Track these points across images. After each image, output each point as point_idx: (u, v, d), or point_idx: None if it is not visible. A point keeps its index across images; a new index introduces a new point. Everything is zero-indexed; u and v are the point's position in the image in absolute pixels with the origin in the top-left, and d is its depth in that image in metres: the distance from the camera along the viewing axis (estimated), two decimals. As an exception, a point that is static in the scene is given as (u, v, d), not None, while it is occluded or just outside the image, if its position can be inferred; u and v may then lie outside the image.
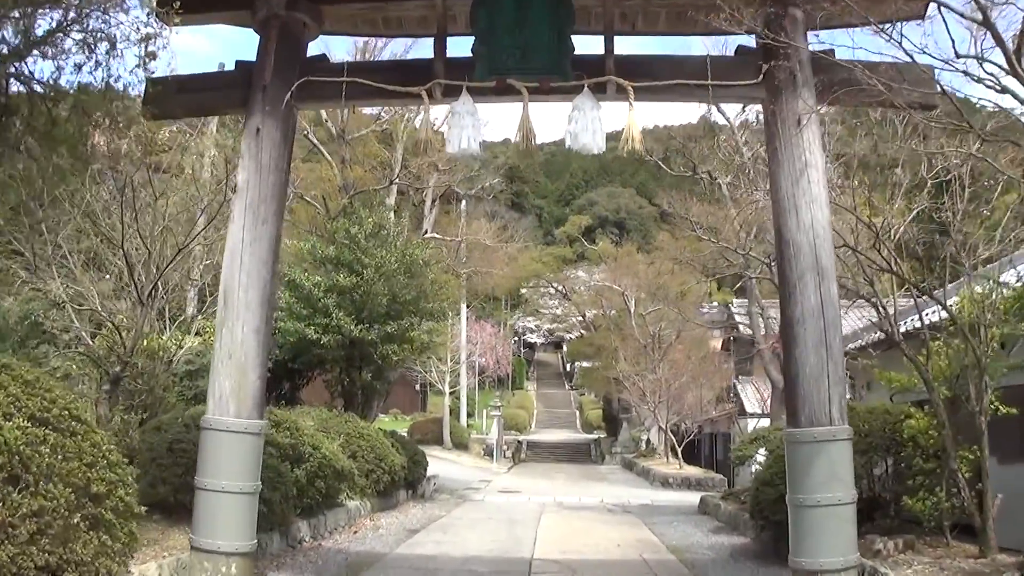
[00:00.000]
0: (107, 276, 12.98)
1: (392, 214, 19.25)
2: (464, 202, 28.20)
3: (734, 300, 36.64)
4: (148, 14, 7.03)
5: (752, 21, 6.67)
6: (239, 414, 6.62)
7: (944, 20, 5.89)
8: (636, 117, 6.75)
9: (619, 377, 32.77)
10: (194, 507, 6.70)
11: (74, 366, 11.06)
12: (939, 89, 6.19)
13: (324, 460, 10.97)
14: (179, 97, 7.68)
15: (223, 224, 15.63)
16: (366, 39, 17.44)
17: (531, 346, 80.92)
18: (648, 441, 35.70)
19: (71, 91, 8.01)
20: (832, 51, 7.19)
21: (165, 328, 13.07)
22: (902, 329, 8.94)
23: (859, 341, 12.85)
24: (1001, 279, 8.16)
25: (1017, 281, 8.57)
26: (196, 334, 13.52)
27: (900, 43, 5.92)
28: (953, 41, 5.87)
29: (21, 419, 5.04)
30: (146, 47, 7.93)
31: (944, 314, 8.50)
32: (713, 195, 18.02)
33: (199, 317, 13.69)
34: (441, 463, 28.09)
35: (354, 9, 7.86)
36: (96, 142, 9.24)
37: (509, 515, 15.13)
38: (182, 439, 8.83)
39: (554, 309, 65.29)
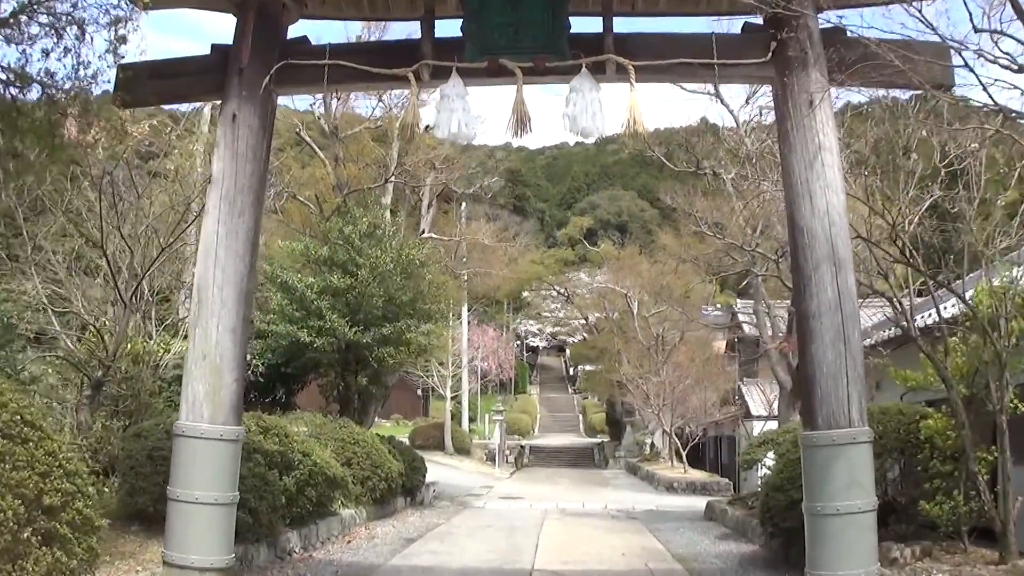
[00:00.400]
0: (97, 280, 12.60)
1: (388, 213, 18.80)
2: (464, 204, 27.82)
3: (738, 301, 36.26)
4: (118, -4, 6.63)
5: (760, -2, 6.22)
6: (214, 419, 6.18)
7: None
8: (638, 98, 6.31)
9: (622, 380, 32.42)
10: (167, 519, 6.25)
11: (49, 370, 10.56)
12: (961, 61, 5.76)
13: (315, 467, 10.51)
14: (152, 83, 7.29)
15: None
16: (362, 30, 16.98)
17: (534, 350, 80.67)
18: (652, 445, 35.28)
19: (38, 78, 7.64)
20: (844, 29, 6.75)
21: (152, 331, 12.66)
22: (917, 325, 8.54)
23: (869, 339, 12.41)
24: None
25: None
26: (185, 338, 13.06)
27: (920, 12, 5.49)
28: (971, 14, 5.47)
29: (-38, 425, 4.60)
30: (116, 31, 7.55)
31: (960, 308, 8.15)
32: (717, 190, 17.57)
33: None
34: (442, 469, 27.71)
35: (336, -11, 7.44)
36: (68, 132, 8.87)
37: (510, 522, 14.68)
38: (163, 446, 8.33)
39: (556, 312, 64.90)
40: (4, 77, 7.24)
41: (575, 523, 15.03)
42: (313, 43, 7.10)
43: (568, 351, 75.25)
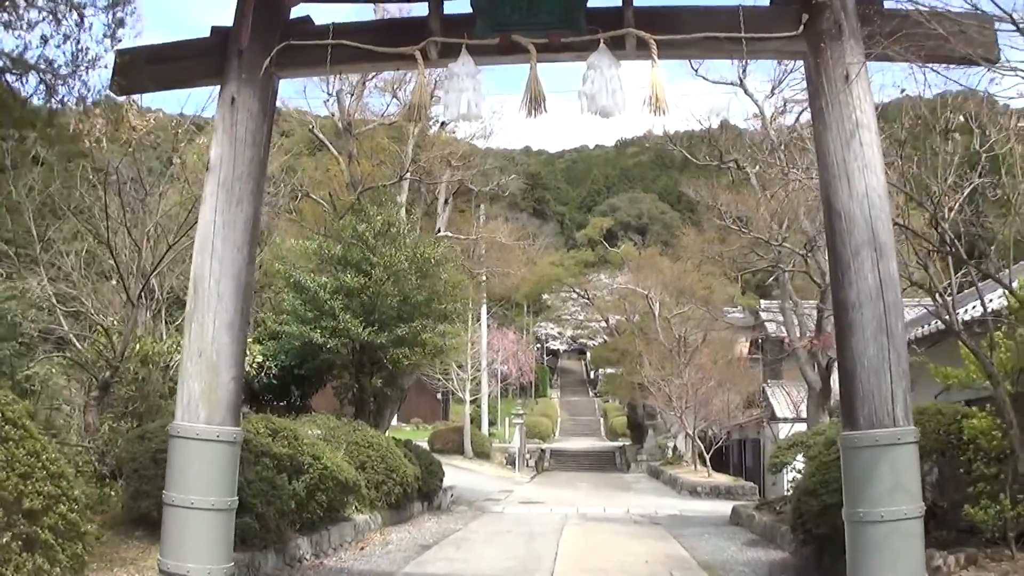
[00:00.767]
0: (112, 281, 12.37)
1: (403, 211, 18.44)
2: (481, 206, 27.48)
3: (761, 303, 35.70)
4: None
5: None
6: (210, 420, 5.82)
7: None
8: (660, 75, 5.88)
9: (644, 383, 31.96)
10: (162, 525, 5.90)
11: (53, 370, 10.30)
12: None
13: (326, 471, 10.17)
14: (150, 68, 6.96)
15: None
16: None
17: (554, 353, 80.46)
18: (675, 448, 34.77)
19: (36, 65, 7.37)
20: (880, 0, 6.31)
21: (163, 332, 12.39)
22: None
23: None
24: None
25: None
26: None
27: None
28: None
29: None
30: (114, 14, 7.27)
31: (1006, 300, 7.68)
32: (741, 185, 17.08)
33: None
34: (461, 473, 27.42)
35: (343, -31, 7.08)
36: (74, 124, 8.61)
37: (529, 528, 14.29)
38: (168, 449, 8.05)
39: (577, 315, 64.48)
40: (0, 64, 6.99)
41: (596, 529, 14.62)
42: (316, 24, 6.76)
43: (589, 354, 75.03)
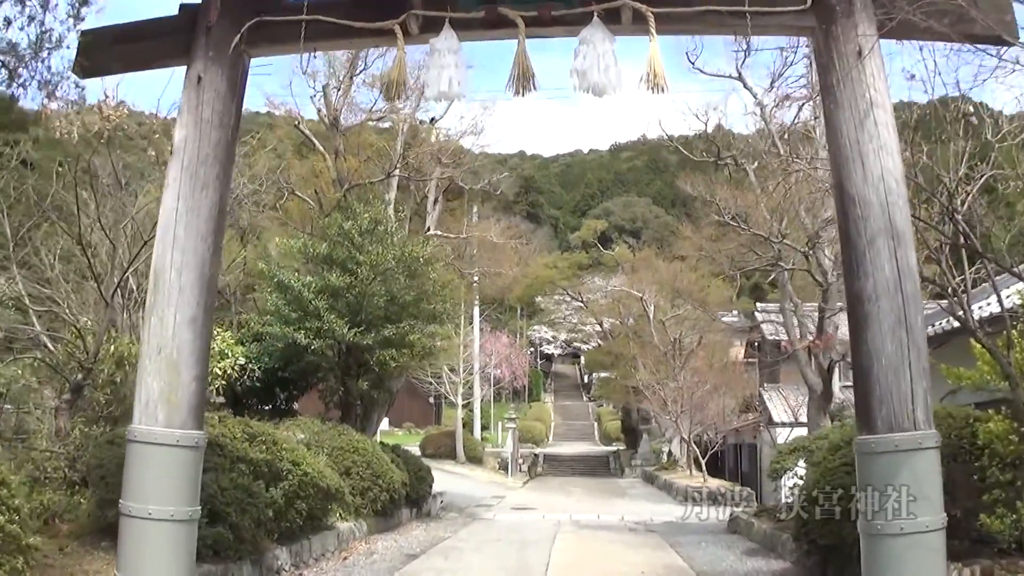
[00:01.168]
0: (92, 282, 11.92)
1: (391, 209, 17.96)
2: (475, 207, 27.07)
3: (757, 305, 35.38)
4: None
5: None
6: (170, 423, 5.35)
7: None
8: (658, 50, 5.45)
9: (638, 386, 31.54)
10: (118, 537, 5.43)
11: (22, 372, 9.82)
12: None
13: (306, 478, 9.69)
14: (115, 49, 6.52)
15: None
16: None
17: (548, 358, 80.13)
18: (670, 453, 34.37)
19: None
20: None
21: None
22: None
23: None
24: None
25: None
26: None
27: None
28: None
29: None
30: (78, -9, 6.84)
31: (1015, 300, 7.30)
32: (739, 183, 16.66)
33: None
34: (453, 478, 26.96)
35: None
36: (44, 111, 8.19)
37: (521, 536, 13.81)
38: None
39: (570, 318, 64.09)
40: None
41: (590, 537, 14.15)
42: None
43: (583, 358, 74.69)
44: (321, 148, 18.99)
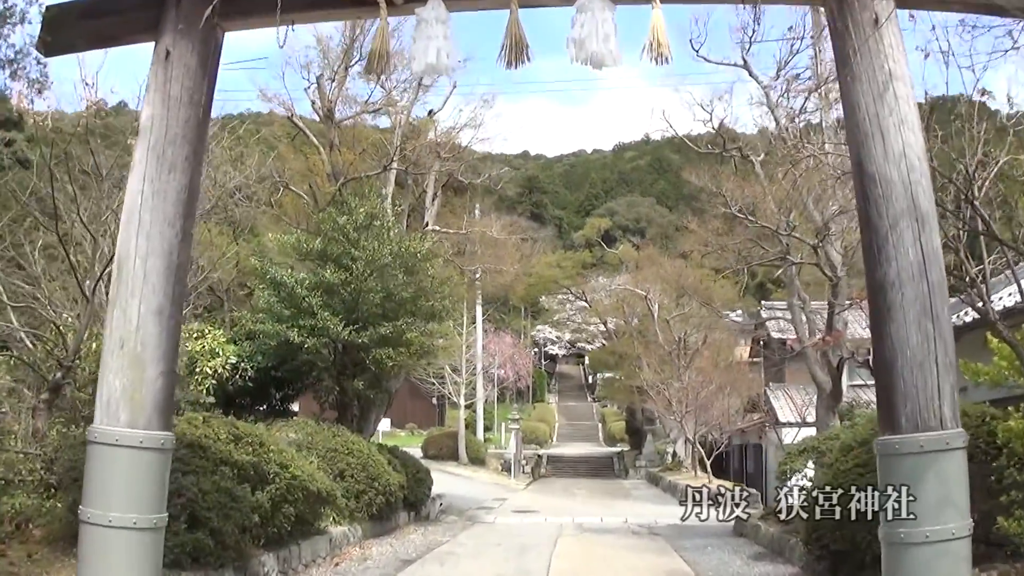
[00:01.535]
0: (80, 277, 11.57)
1: (388, 204, 17.53)
2: (477, 206, 26.64)
3: (762, 304, 34.92)
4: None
5: None
6: (133, 423, 4.94)
7: None
8: (661, 17, 5.04)
9: (643, 386, 31.16)
10: (79, 546, 5.03)
11: (-3, 370, 9.45)
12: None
13: (294, 481, 9.29)
14: (81, 24, 6.08)
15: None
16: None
17: (552, 358, 79.92)
18: (674, 454, 33.93)
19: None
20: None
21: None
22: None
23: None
24: None
25: None
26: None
27: None
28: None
29: None
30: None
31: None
32: (745, 176, 16.23)
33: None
34: (455, 480, 26.59)
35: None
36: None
37: (522, 540, 13.42)
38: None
39: (574, 318, 63.77)
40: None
41: (592, 541, 13.76)
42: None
43: (587, 359, 74.40)
44: (316, 141, 18.60)
